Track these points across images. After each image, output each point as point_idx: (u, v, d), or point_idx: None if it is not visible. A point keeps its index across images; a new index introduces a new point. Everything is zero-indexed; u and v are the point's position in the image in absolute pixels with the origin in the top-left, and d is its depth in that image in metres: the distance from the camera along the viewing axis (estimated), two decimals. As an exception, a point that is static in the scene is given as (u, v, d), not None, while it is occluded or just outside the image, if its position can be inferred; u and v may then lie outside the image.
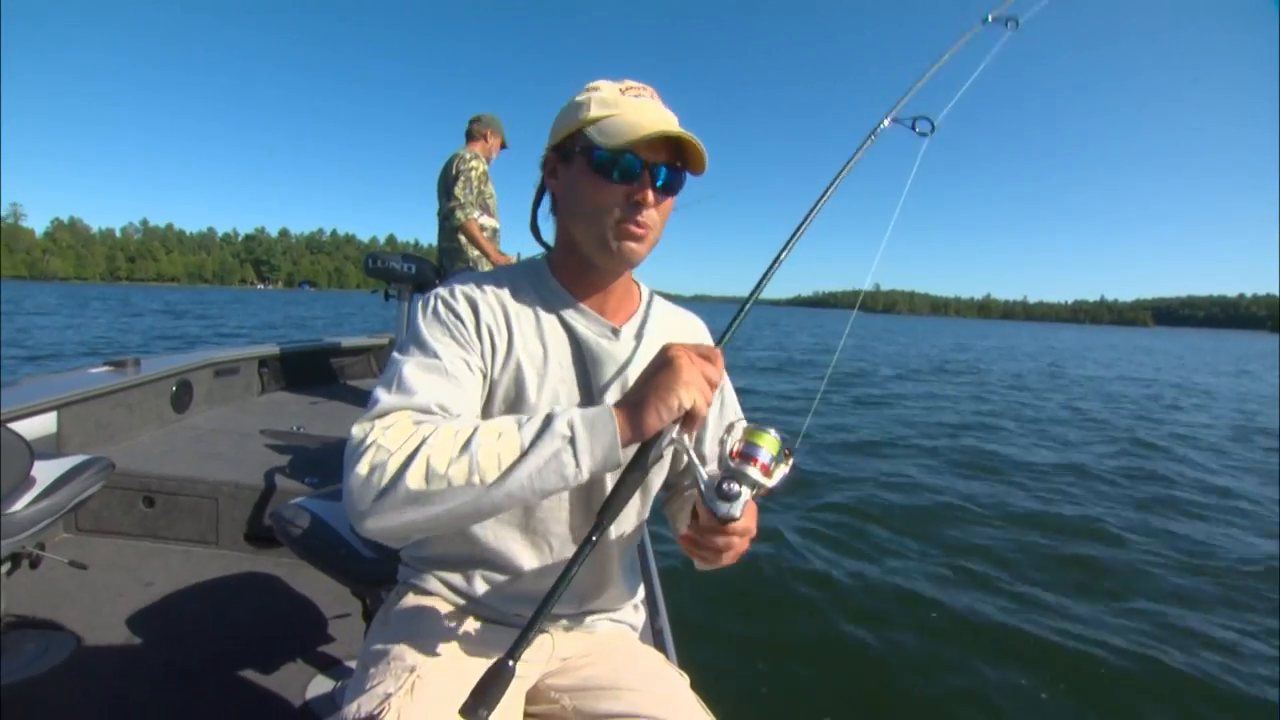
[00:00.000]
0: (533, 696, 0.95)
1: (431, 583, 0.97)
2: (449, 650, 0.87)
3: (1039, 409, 11.08)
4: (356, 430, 0.74)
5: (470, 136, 3.91)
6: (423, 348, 0.83)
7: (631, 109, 0.84)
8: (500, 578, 0.94)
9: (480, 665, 0.86)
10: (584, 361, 0.91)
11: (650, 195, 0.84)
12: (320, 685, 1.72)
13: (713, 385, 0.74)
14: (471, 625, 0.94)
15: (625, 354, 0.93)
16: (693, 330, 1.07)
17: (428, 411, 0.77)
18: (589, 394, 0.91)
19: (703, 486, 0.74)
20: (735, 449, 0.75)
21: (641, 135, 0.80)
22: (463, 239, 3.75)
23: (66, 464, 1.72)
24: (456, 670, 0.84)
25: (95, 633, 1.87)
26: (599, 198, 0.84)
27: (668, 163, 0.85)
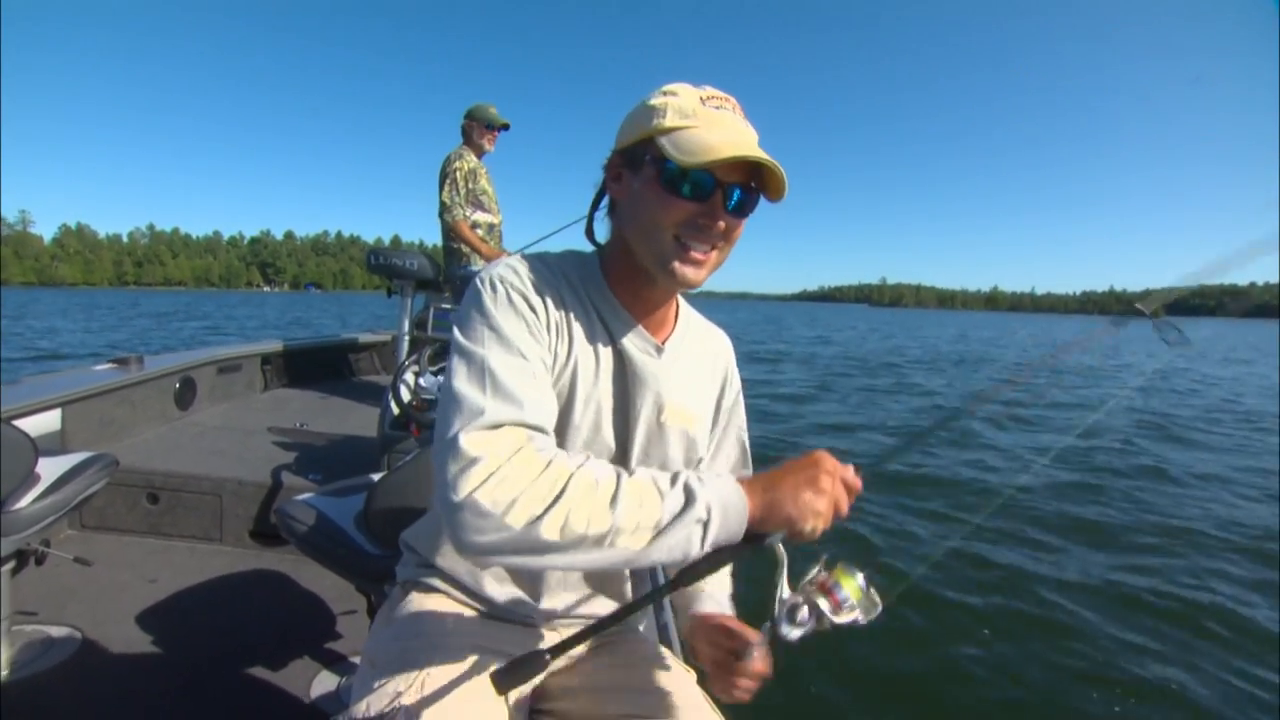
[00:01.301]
0: (540, 694, 0.94)
1: (434, 579, 0.95)
2: (455, 648, 0.85)
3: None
4: (466, 444, 0.67)
5: (463, 135, 3.88)
6: (504, 342, 0.77)
7: (710, 123, 0.79)
8: (506, 576, 0.92)
9: (487, 662, 0.85)
10: (625, 377, 0.89)
11: (720, 218, 0.80)
12: (326, 682, 1.72)
13: (840, 514, 0.73)
14: (476, 622, 0.92)
15: (665, 374, 0.91)
16: (723, 350, 1.05)
17: (542, 430, 0.74)
18: (625, 411, 0.89)
19: (779, 601, 0.74)
20: (821, 579, 0.74)
21: (720, 158, 0.75)
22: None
23: (71, 461, 1.72)
24: (464, 668, 0.82)
25: (100, 629, 1.87)
26: (665, 214, 0.79)
27: (742, 183, 0.80)
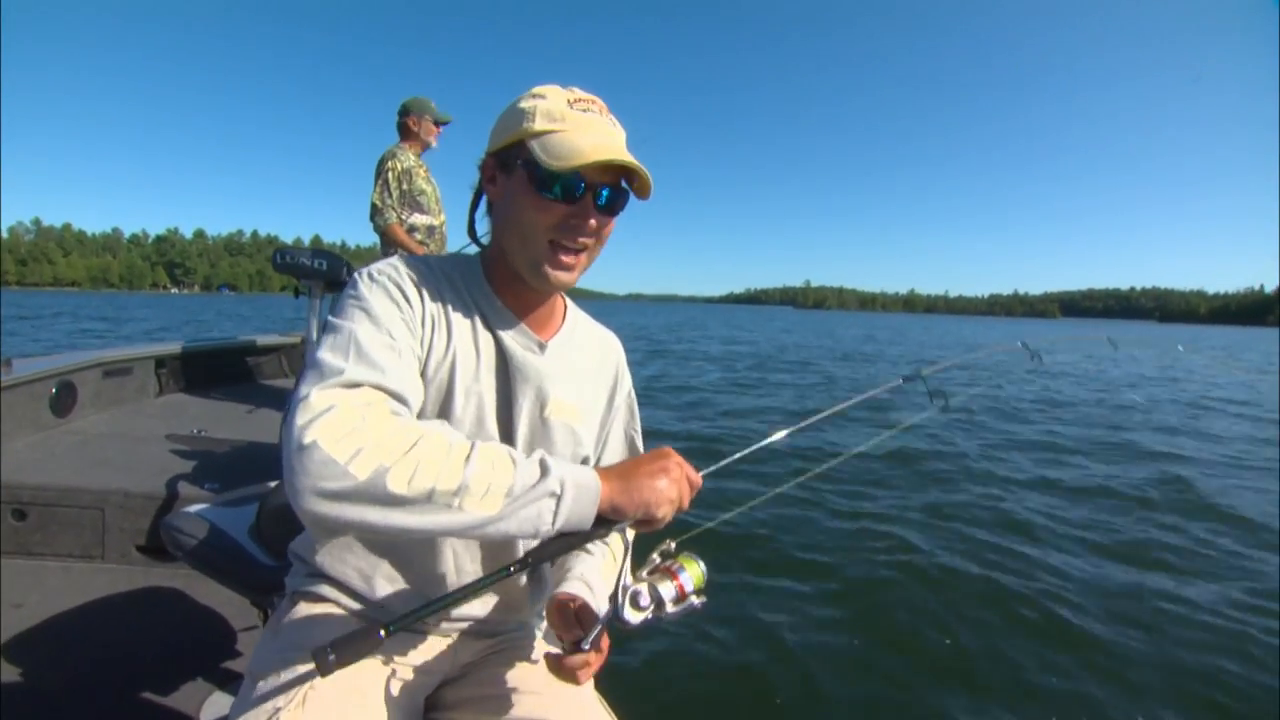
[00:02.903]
0: (433, 704, 0.93)
1: (324, 589, 0.92)
2: None
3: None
4: (318, 398, 0.67)
5: (401, 132, 3.66)
6: (374, 320, 0.78)
7: (579, 126, 0.81)
8: (398, 583, 0.91)
9: (374, 673, 0.84)
10: (508, 372, 0.90)
11: (591, 217, 0.83)
12: (219, 703, 1.62)
13: (682, 508, 0.79)
14: None
15: (548, 369, 0.92)
16: (612, 350, 1.07)
17: (400, 399, 0.74)
18: (508, 405, 0.90)
19: (621, 588, 0.75)
20: (665, 565, 0.78)
21: (586, 161, 0.77)
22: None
23: None
24: (350, 680, 0.79)
25: None
26: (536, 216, 0.82)
27: (611, 183, 0.82)
